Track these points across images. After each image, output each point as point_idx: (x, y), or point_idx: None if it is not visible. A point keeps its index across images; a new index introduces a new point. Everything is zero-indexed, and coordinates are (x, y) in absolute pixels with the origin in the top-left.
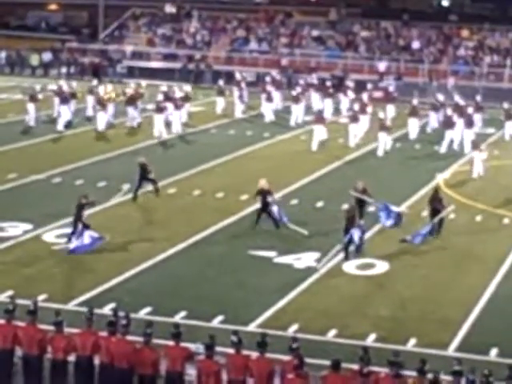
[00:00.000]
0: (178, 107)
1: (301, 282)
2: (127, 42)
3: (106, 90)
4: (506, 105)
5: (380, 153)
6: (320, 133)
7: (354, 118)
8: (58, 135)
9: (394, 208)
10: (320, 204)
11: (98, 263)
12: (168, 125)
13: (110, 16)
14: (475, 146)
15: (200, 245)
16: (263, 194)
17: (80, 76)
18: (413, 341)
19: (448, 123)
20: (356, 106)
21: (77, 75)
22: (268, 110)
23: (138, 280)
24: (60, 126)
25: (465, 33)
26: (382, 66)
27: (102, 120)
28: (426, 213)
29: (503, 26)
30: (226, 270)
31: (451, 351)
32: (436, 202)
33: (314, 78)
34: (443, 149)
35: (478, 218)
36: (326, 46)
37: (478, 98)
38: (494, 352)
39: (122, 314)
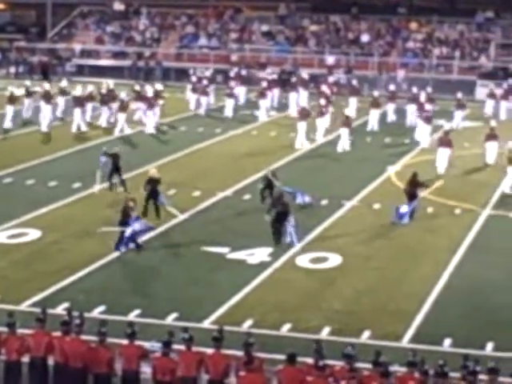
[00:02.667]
0: (151, 106)
1: (254, 278)
2: (76, 40)
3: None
4: (459, 94)
5: (340, 149)
6: (303, 129)
7: (321, 113)
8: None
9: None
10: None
11: (50, 263)
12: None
13: (58, 14)
14: (442, 142)
15: (151, 242)
16: (153, 182)
17: (29, 75)
18: (367, 333)
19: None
20: (322, 101)
21: (25, 74)
22: (230, 106)
23: (91, 279)
24: (44, 127)
25: (413, 25)
26: (331, 59)
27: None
28: (377, 205)
29: (451, 18)
30: (179, 266)
31: (405, 343)
32: (412, 187)
33: (272, 74)
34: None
35: (430, 210)
36: (275, 41)
37: (429, 89)
38: (447, 342)
39: (75, 313)
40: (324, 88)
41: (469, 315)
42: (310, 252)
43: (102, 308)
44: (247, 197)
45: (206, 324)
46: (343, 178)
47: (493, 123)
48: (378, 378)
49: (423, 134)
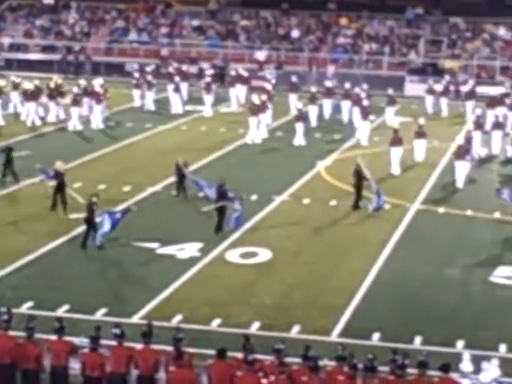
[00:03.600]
0: (98, 102)
1: (184, 272)
2: (4, 34)
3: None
4: (390, 91)
5: (296, 143)
6: (254, 124)
7: (262, 109)
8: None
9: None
10: (202, 193)
11: None
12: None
13: None
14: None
15: (80, 237)
16: (59, 176)
17: None
18: (296, 328)
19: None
20: (264, 97)
21: None
22: (177, 101)
23: (19, 274)
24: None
25: (343, 21)
26: (261, 55)
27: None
28: (307, 200)
29: (381, 14)
30: (109, 262)
31: (334, 337)
32: (358, 177)
33: (210, 69)
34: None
35: (360, 205)
36: (206, 36)
37: (365, 86)
38: (376, 336)
39: (3, 309)
40: (266, 85)
41: (397, 309)
42: (240, 247)
43: (30, 303)
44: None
45: (135, 319)
46: (273, 173)
47: (421, 121)
48: (308, 373)
49: (362, 131)
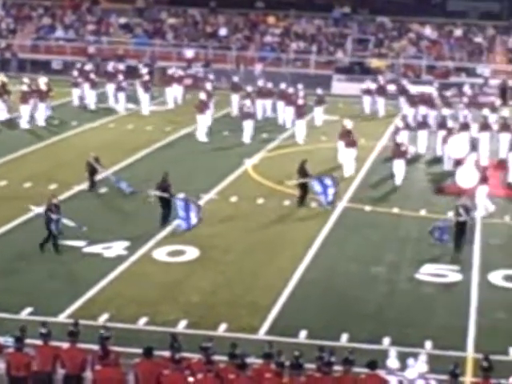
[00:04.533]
0: (42, 99)
1: (111, 271)
2: None
3: None
4: (319, 90)
5: (246, 140)
6: (203, 122)
7: (202, 109)
8: None
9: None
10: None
11: None
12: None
13: None
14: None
15: (7, 236)
16: None
17: None
18: (224, 326)
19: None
20: (203, 95)
21: None
22: (122, 100)
23: None
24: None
25: (271, 20)
26: (189, 53)
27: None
28: (234, 199)
29: (309, 13)
30: (35, 260)
31: (261, 335)
32: (302, 174)
33: (141, 68)
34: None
35: (287, 203)
36: (133, 34)
37: (300, 86)
38: (303, 334)
39: None
40: (208, 84)
41: (324, 307)
42: (167, 245)
43: None
44: (103, 190)
45: (62, 318)
46: (201, 172)
47: (346, 122)
48: (235, 371)
49: (298, 130)
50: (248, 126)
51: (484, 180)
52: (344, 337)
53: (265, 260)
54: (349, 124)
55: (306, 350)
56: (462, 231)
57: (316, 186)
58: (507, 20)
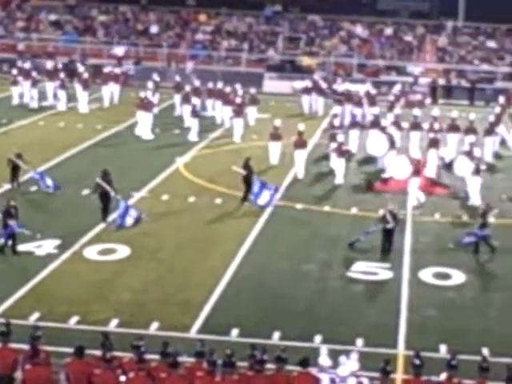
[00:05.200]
0: None
1: (41, 270)
2: None
3: None
4: (252, 89)
5: (193, 138)
6: (145, 120)
7: (145, 106)
8: None
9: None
10: (62, 190)
11: None
12: None
13: None
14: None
15: None
16: None
17: None
18: (155, 324)
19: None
20: (149, 93)
21: None
22: (63, 98)
23: None
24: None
25: (202, 17)
26: (120, 50)
27: None
28: (166, 197)
29: (240, 11)
30: None
31: (193, 333)
32: (248, 171)
33: (80, 67)
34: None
35: (218, 201)
36: (63, 31)
37: (238, 85)
38: (235, 332)
39: None
40: (150, 83)
41: (256, 305)
42: (98, 244)
43: None
44: (33, 188)
45: None
46: (132, 170)
47: (277, 122)
48: (167, 369)
49: (236, 129)
50: (195, 125)
51: (416, 172)
52: (276, 335)
53: (196, 258)
54: (301, 126)
55: (238, 348)
56: (389, 238)
57: (255, 186)
58: (437, 19)
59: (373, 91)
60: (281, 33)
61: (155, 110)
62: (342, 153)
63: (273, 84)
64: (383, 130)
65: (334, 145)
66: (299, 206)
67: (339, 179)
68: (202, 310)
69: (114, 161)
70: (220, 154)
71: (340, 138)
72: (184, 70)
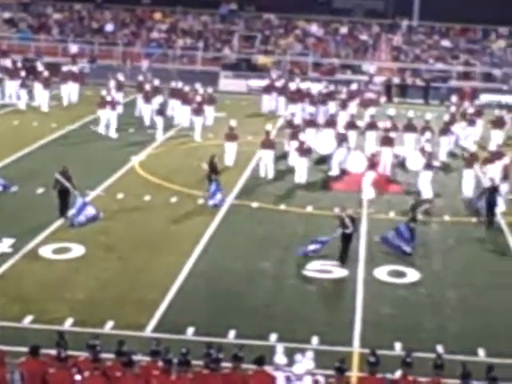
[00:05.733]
0: None
1: None
2: None
3: None
4: (209, 89)
5: (159, 137)
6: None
7: (102, 104)
8: None
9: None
10: (14, 189)
11: None
12: None
13: None
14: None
15: None
16: None
17: None
18: (110, 323)
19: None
20: (113, 92)
21: None
22: (24, 97)
23: None
24: None
25: (158, 16)
26: (75, 48)
27: None
28: (121, 195)
29: (195, 9)
30: None
31: (149, 332)
32: (211, 170)
33: (39, 66)
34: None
35: (174, 199)
36: (18, 29)
37: (198, 85)
38: (190, 331)
39: None
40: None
41: (211, 304)
42: (53, 242)
43: None
44: None
45: None
46: (87, 168)
47: (232, 123)
48: (122, 368)
49: (196, 128)
50: (160, 124)
51: (371, 166)
52: (231, 333)
53: (152, 256)
54: (269, 127)
55: (193, 347)
56: (347, 243)
57: (212, 186)
58: (392, 18)
59: (328, 90)
60: (236, 31)
61: (120, 108)
62: (304, 151)
63: (228, 82)
64: (335, 128)
65: (295, 143)
66: (255, 205)
67: (301, 178)
68: (157, 308)
69: (69, 159)
70: (175, 153)
71: (302, 136)
72: (139, 68)
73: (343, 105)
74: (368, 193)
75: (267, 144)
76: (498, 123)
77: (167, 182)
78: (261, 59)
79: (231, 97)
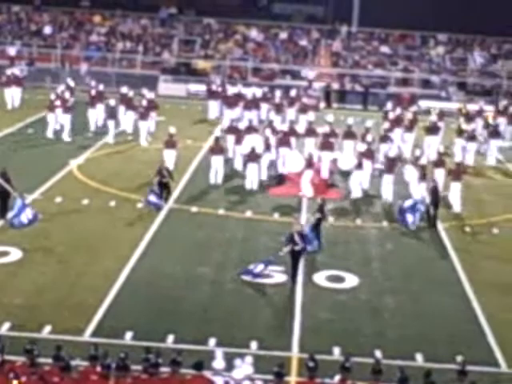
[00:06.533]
0: None
1: None
2: None
3: None
4: (151, 94)
5: (110, 140)
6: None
7: (68, 108)
8: None
9: None
10: None
11: None
12: None
13: None
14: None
15: None
16: None
17: None
18: (48, 328)
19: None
20: (67, 95)
21: None
22: None
23: None
24: None
25: (97, 19)
26: (13, 51)
27: None
28: (59, 199)
29: (135, 13)
30: None
31: (87, 336)
32: (161, 175)
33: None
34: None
35: (112, 203)
36: None
37: (145, 90)
38: (129, 335)
39: None
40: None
41: (150, 308)
42: None
43: None
44: None
45: None
46: (25, 171)
47: (172, 130)
48: (59, 373)
49: (142, 132)
50: (112, 127)
51: (309, 165)
52: (170, 338)
53: (90, 261)
54: (217, 131)
55: (132, 352)
56: (297, 260)
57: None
58: (331, 24)
59: (268, 95)
60: (176, 35)
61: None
62: (253, 157)
63: (168, 87)
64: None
65: (243, 149)
66: (194, 209)
67: (252, 183)
68: (95, 313)
69: (7, 162)
70: (114, 157)
71: (252, 142)
72: (78, 71)
73: (278, 109)
74: (307, 191)
75: (217, 150)
76: (433, 130)
77: (106, 186)
78: (200, 64)
79: (171, 101)
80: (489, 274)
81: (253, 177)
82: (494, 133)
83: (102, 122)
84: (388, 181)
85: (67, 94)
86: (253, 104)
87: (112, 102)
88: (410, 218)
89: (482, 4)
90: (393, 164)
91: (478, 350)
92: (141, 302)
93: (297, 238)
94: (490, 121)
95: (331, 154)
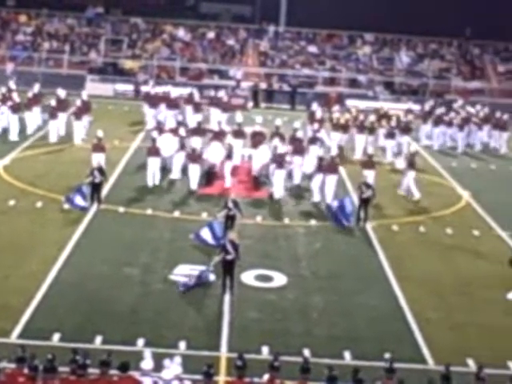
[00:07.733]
0: None
1: None
2: None
3: None
4: (84, 96)
5: (77, 141)
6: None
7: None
8: None
9: None
10: None
11: None
12: None
13: None
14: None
15: None
16: None
17: None
18: None
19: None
20: (15, 95)
21: None
22: None
23: None
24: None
25: (23, 18)
26: None
27: None
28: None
29: (61, 12)
30: None
31: (14, 338)
32: (94, 176)
33: None
34: None
35: (39, 204)
36: None
37: (84, 92)
38: (56, 337)
39: None
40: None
41: (77, 309)
42: None
43: None
44: None
45: None
46: None
47: (99, 133)
48: None
49: (76, 131)
50: (53, 127)
51: (229, 157)
52: (98, 339)
53: (16, 262)
54: (155, 134)
55: (59, 353)
56: (231, 270)
57: (84, 188)
58: (259, 24)
59: (196, 95)
60: (103, 35)
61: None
62: (195, 159)
63: (95, 86)
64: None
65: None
66: (121, 210)
67: (193, 185)
68: (22, 314)
69: None
70: (41, 157)
71: (194, 144)
72: (4, 71)
73: (196, 109)
74: (229, 181)
75: (154, 151)
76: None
77: (32, 187)
78: (128, 63)
79: (98, 100)
80: (415, 271)
81: (193, 178)
82: (406, 129)
83: (39, 124)
84: (332, 181)
85: (15, 94)
86: (174, 104)
87: (53, 103)
88: (340, 216)
89: (409, 4)
90: (335, 165)
91: (405, 347)
92: (68, 303)
93: (229, 247)
94: (402, 117)
95: (262, 152)
